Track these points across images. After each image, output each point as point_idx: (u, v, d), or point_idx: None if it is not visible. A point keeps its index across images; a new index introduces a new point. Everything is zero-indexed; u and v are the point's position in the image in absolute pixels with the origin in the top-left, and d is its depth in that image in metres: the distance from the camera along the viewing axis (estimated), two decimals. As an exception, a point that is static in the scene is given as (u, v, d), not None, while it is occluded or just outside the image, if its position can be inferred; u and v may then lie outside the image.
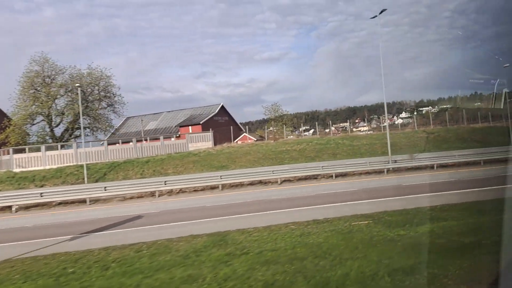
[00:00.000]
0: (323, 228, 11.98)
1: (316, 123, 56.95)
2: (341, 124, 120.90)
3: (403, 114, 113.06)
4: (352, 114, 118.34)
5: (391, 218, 12.85)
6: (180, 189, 21.16)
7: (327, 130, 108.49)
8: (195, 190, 21.27)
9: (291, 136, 52.86)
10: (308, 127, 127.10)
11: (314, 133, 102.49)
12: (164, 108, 76.68)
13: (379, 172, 22.76)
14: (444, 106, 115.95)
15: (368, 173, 22.81)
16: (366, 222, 12.59)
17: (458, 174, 21.01)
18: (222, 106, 53.50)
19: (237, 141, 44.76)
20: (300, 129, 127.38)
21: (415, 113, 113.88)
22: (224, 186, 21.49)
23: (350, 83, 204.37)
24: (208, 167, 31.84)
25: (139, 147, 34.53)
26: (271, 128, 50.09)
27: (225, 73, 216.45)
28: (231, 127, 39.06)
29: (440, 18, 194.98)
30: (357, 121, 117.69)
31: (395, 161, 23.92)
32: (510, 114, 35.25)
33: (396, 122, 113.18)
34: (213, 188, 21.30)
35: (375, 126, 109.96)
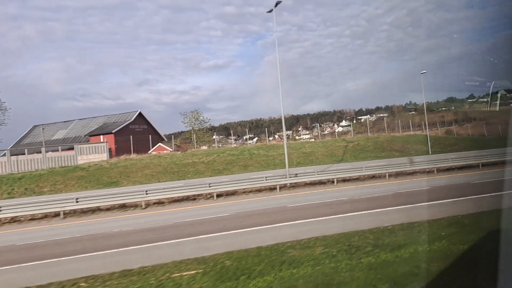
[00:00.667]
0: (126, 286, 8.08)
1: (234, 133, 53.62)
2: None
3: (343, 123, 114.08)
4: (295, 122, 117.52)
5: (232, 263, 9.26)
6: (12, 218, 16.13)
7: (270, 138, 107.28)
8: (32, 219, 16.33)
9: (231, 145, 48.90)
10: (252, 135, 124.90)
11: (257, 141, 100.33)
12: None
13: (273, 189, 19.30)
14: (381, 115, 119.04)
15: (259, 190, 19.24)
16: (194, 272, 8.86)
17: (358, 190, 18.06)
18: (140, 113, 48.34)
19: (151, 152, 39.95)
20: (244, 137, 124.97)
21: (354, 121, 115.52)
22: (71, 213, 16.77)
23: (294, 92, 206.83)
24: (94, 184, 26.82)
25: (14, 160, 28.56)
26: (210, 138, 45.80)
27: (169, 80, 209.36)
28: (131, 136, 34.20)
29: (378, 31, 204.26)
30: (300, 129, 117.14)
31: (296, 175, 20.65)
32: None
33: (336, 130, 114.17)
34: (57, 215, 16.50)
35: (316, 134, 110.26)
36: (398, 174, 21.23)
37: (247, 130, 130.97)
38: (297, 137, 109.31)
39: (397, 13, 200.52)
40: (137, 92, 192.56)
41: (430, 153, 32.40)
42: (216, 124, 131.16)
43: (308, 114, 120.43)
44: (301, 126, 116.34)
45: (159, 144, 41.61)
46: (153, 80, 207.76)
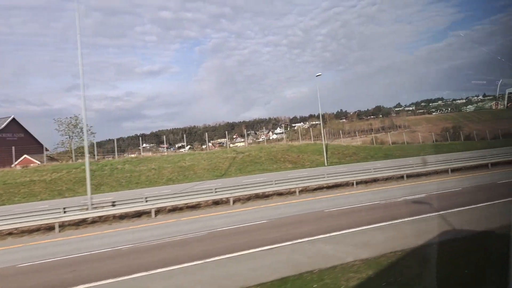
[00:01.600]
0: None
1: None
2: (218, 140, 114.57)
3: (278, 130, 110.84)
4: (231, 129, 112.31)
5: None
6: None
7: (204, 146, 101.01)
8: None
9: (163, 153, 41.48)
10: (185, 143, 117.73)
11: (190, 149, 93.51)
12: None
13: (51, 228, 13.05)
14: (314, 123, 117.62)
15: (35, 230, 12.93)
16: None
17: (174, 227, 12.46)
18: (14, 120, 39.84)
19: (15, 165, 31.90)
20: (176, 146, 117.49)
21: (288, 128, 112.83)
22: None
23: (233, 99, 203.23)
24: None
25: None
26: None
27: (101, 86, 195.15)
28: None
29: (314, 42, 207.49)
30: (235, 136, 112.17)
31: (113, 203, 14.65)
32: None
33: (271, 137, 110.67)
34: None
35: (251, 141, 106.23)
36: (249, 198, 15.98)
37: (183, 137, 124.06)
38: (231, 145, 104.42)
39: (332, 25, 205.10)
40: (66, 97, 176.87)
41: (326, 164, 28.11)
42: (148, 132, 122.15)
43: (243, 122, 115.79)
44: (236, 134, 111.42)
45: (25, 156, 33.64)
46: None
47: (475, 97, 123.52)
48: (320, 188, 17.17)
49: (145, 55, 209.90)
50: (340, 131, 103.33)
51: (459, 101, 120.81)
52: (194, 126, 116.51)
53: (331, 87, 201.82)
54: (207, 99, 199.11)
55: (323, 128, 33.17)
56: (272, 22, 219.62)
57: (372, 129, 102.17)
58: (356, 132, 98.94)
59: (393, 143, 56.36)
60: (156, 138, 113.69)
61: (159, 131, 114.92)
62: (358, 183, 17.64)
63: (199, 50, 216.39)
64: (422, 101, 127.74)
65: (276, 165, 27.52)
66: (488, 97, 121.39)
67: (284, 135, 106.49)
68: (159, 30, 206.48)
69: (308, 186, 16.99)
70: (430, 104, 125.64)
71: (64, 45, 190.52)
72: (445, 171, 19.60)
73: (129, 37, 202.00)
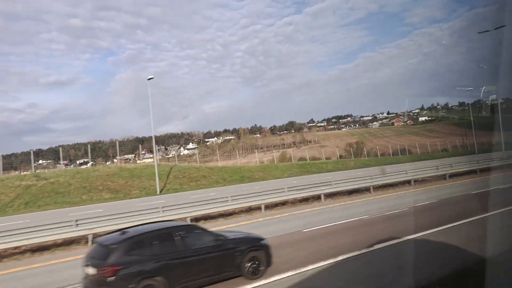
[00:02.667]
0: None
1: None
2: (126, 156, 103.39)
3: (190, 145, 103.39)
4: (140, 144, 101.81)
5: None
6: None
7: (108, 163, 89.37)
8: None
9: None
10: (88, 159, 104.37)
11: (92, 165, 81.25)
12: None
13: None
14: (228, 137, 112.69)
15: None
16: None
17: None
18: None
19: None
20: (78, 162, 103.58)
21: (201, 143, 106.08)
22: None
23: (149, 113, 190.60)
24: None
25: None
26: None
27: (0, 97, 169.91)
28: None
29: (233, 57, 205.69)
30: (143, 152, 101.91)
31: None
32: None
33: (182, 153, 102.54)
34: None
35: (160, 157, 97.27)
36: None
37: (86, 153, 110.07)
38: (138, 161, 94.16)
39: (250, 42, 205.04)
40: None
41: (158, 192, 21.63)
42: (45, 147, 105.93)
43: (155, 136, 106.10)
44: (145, 149, 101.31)
45: None
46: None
47: (380, 114, 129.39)
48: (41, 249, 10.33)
49: (52, 64, 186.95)
50: (254, 146, 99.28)
51: (366, 118, 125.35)
52: (100, 141, 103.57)
53: (249, 103, 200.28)
54: (121, 112, 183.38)
55: (154, 147, 26.60)
56: (190, 36, 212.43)
57: (284, 144, 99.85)
58: (273, 148, 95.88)
59: (301, 158, 52.94)
60: (55, 154, 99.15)
61: (58, 146, 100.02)
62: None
63: (112, 61, 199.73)
64: (333, 117, 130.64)
65: (87, 195, 20.27)
66: (391, 114, 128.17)
67: (196, 151, 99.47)
68: (68, 38, 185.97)
69: (41, 242, 10.09)
70: (340, 120, 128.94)
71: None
72: (282, 203, 14.15)
73: (34, 44, 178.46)
